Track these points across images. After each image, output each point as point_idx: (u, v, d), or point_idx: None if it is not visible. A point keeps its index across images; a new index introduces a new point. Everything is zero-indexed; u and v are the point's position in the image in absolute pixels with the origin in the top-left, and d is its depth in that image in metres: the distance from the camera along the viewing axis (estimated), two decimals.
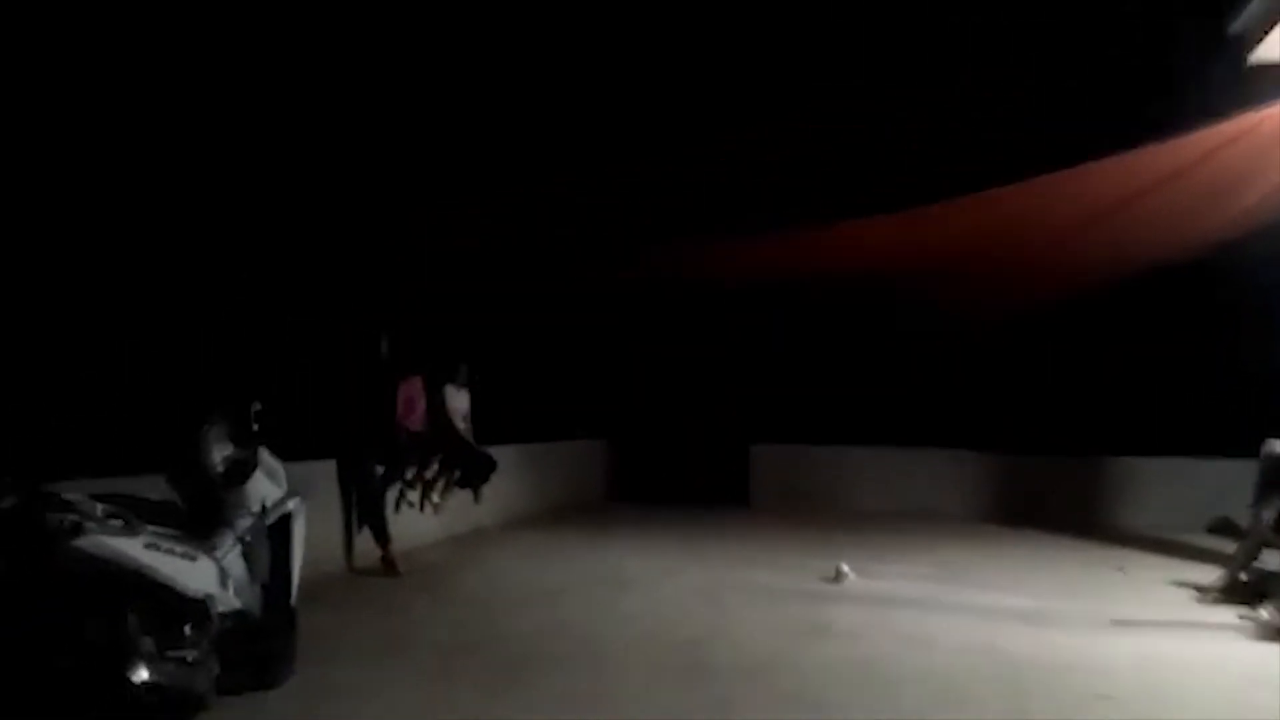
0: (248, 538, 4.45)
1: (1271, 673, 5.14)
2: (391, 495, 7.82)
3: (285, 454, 4.86)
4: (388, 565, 7.19)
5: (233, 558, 4.35)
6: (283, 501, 4.70)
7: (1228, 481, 9.26)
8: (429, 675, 4.76)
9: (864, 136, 11.32)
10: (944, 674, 4.93)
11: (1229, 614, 6.37)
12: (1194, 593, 7.10)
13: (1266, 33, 7.50)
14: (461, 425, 8.66)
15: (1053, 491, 11.04)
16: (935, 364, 11.80)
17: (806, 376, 12.31)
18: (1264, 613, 6.13)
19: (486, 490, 8.96)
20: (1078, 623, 6.13)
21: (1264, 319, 10.37)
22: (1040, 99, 11.00)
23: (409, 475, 8.13)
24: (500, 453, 9.06)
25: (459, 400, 8.68)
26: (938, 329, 10.45)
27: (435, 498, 8.46)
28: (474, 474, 8.76)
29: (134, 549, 3.79)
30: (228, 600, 4.25)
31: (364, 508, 7.37)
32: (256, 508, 4.52)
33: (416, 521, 8.20)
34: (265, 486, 4.63)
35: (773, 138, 9.70)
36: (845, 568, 7.35)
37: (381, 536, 7.29)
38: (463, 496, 8.82)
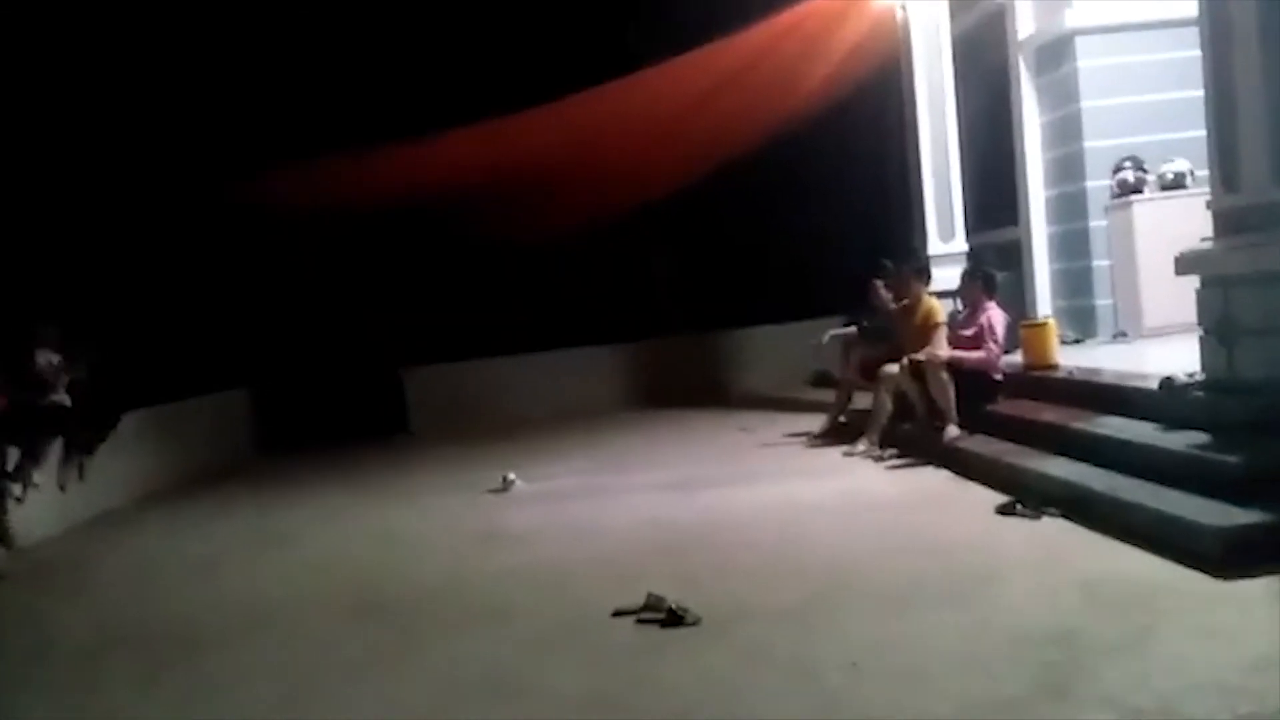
0: None
1: (877, 495, 6.15)
2: None
3: None
4: None
5: None
6: None
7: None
8: (74, 684, 4.26)
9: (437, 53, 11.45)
10: (613, 556, 5.29)
11: (835, 453, 7.44)
12: (805, 439, 8.18)
13: None
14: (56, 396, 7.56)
15: (682, 369, 12.10)
16: (561, 266, 12.26)
17: (446, 295, 12.24)
18: (860, 446, 7.28)
19: (116, 465, 7.98)
20: (720, 484, 6.85)
21: (831, 194, 11.94)
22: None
23: (8, 465, 7.04)
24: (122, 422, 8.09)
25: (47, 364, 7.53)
26: (555, 233, 10.89)
27: (36, 479, 7.33)
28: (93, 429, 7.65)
29: None
30: None
31: None
32: None
33: (25, 514, 7.15)
34: None
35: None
36: (511, 475, 7.48)
37: None
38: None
